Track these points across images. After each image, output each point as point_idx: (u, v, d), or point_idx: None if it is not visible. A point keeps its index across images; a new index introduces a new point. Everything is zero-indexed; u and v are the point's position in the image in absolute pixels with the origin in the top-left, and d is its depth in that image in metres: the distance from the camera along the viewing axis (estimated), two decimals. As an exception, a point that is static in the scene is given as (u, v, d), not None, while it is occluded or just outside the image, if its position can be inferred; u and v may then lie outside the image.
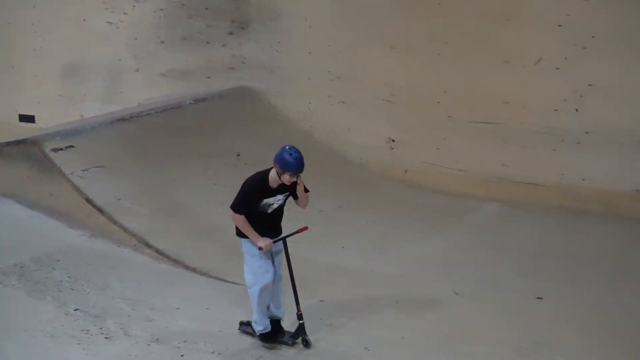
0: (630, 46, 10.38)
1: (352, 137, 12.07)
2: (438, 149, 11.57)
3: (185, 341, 7.30)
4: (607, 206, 10.36)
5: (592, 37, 10.48)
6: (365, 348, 7.27)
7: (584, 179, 10.68)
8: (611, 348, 7.17)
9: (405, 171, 11.67)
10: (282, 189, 7.02)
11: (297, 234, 7.25)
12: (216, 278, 8.79)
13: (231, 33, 12.74)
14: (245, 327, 7.49)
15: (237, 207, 6.94)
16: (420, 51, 11.53)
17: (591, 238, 9.78)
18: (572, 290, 8.43)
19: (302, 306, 7.16)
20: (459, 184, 11.28)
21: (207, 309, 8.04)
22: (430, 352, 7.19)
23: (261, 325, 7.30)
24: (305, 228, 7.31)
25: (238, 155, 11.41)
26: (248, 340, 7.51)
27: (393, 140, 11.87)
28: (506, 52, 11.04)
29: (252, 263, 7.11)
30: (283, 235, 7.21)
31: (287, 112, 12.47)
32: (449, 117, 11.45)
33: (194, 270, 8.91)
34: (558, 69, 10.77)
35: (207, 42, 12.66)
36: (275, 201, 7.09)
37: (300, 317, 7.16)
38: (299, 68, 12.47)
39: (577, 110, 10.72)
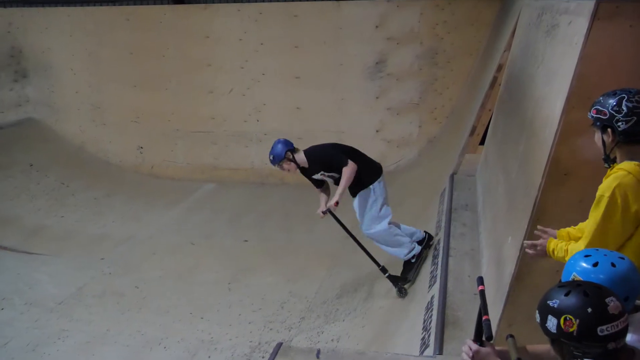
0: (286, 79, 10.89)
1: (113, 147, 11.81)
2: (172, 150, 11.57)
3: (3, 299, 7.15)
4: (280, 178, 10.60)
5: (263, 74, 11.00)
6: (136, 286, 7.33)
7: (266, 163, 10.75)
8: (286, 264, 7.69)
9: (152, 167, 11.58)
10: (310, 171, 6.00)
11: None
12: (22, 251, 8.49)
13: (16, 80, 12.08)
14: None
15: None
16: (153, 87, 11.44)
17: (270, 199, 10.24)
18: (263, 233, 8.81)
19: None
20: (187, 173, 11.33)
21: None
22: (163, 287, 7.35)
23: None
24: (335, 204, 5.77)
25: (31, 165, 10.90)
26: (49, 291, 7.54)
27: (141, 147, 11.73)
28: (210, 85, 11.23)
29: None
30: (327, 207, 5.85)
31: (64, 134, 11.96)
32: (177, 129, 11.50)
33: (7, 249, 8.51)
34: (244, 95, 11.14)
35: (-1, 88, 12.01)
36: (318, 177, 6.12)
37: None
38: (69, 103, 11.98)
39: (258, 121, 11.15)
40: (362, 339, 5.53)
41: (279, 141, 6.04)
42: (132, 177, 11.40)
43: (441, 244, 5.86)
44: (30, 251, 8.46)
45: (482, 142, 8.05)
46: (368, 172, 5.88)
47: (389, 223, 5.91)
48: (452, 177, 7.46)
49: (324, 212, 5.88)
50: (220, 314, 6.58)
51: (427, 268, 5.78)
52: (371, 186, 5.84)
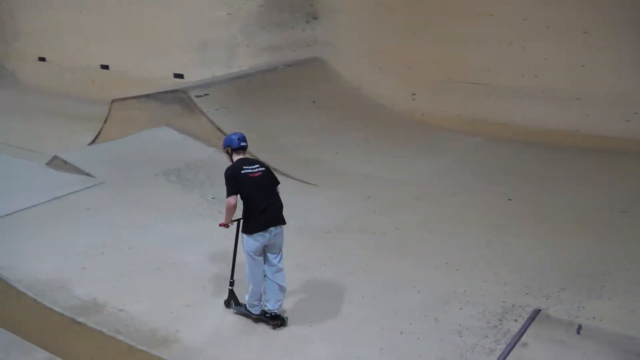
0: (572, 33, 10.16)
1: (387, 92, 12.04)
2: (443, 100, 11.50)
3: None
4: (554, 139, 10.17)
5: (547, 27, 10.34)
6: (396, 227, 7.43)
7: (540, 121, 10.44)
8: (550, 228, 7.28)
9: (422, 114, 11.61)
10: None
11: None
12: (298, 180, 9.11)
13: (307, 21, 12.92)
14: None
15: None
16: (431, 34, 11.39)
17: (537, 159, 9.67)
18: (527, 193, 8.40)
19: None
20: (456, 123, 11.19)
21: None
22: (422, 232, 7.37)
23: None
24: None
25: (314, 102, 11.60)
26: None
27: (414, 94, 11.81)
28: (489, 36, 10.84)
29: None
30: None
31: (344, 74, 12.47)
32: (450, 79, 11.38)
33: (286, 175, 9.07)
34: (524, 48, 10.60)
35: (292, 27, 12.84)
36: None
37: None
38: (352, 45, 12.47)
39: (536, 76, 10.55)
40: (629, 324, 5.03)
41: (237, 135, 5.63)
42: (403, 121, 11.59)
43: None
44: (306, 181, 9.11)
45: None
46: (247, 221, 5.38)
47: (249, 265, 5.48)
48: None
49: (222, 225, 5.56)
50: (475, 269, 6.47)
51: None
52: (241, 233, 5.42)
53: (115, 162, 9.41)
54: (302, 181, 9.09)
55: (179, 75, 14.57)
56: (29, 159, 10.51)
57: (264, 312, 5.59)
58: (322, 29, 13.02)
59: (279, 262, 5.54)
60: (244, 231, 5.40)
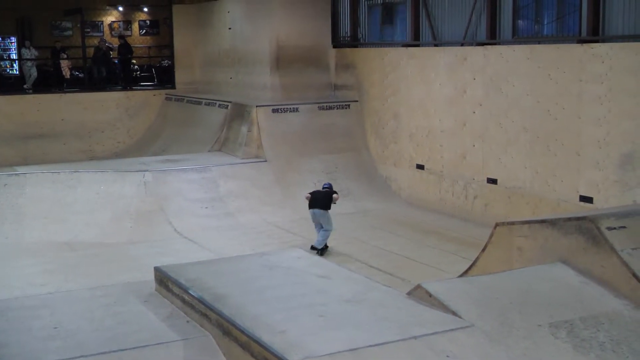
0: None
1: None
2: None
3: None
4: None
5: None
6: None
7: None
8: None
9: None
10: None
11: None
12: None
13: None
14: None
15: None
16: None
17: None
18: None
19: None
20: None
21: None
22: None
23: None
24: None
25: None
26: None
27: None
28: None
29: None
30: None
31: None
32: None
33: None
34: None
35: None
36: None
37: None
38: None
39: None
40: None
41: (325, 184, 17.08)
42: None
43: None
44: None
45: None
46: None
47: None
48: None
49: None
50: None
51: None
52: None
53: (489, 302, 9.54)
54: None
55: (587, 199, 14.52)
56: (389, 283, 11.32)
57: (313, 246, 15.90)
58: None
59: (322, 228, 15.64)
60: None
